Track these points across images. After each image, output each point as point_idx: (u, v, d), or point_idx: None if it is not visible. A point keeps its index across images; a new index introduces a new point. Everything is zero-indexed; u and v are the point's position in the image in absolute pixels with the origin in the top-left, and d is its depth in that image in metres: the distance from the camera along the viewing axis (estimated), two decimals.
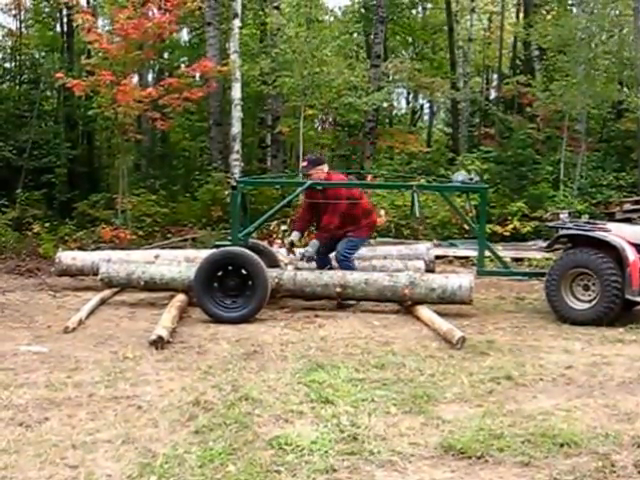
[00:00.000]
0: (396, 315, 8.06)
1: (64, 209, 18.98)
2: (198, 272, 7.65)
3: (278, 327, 7.26)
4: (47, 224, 15.84)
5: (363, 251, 9.69)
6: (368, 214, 8.73)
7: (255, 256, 7.65)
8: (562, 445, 3.97)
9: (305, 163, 8.72)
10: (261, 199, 15.83)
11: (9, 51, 24.06)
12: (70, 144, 21.15)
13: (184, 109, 16.71)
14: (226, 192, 14.66)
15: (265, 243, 9.99)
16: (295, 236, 8.62)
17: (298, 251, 8.66)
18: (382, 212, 11.32)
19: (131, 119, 15.33)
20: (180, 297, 8.23)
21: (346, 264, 8.49)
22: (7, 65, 23.91)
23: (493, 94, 27.35)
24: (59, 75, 15.21)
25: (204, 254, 8.68)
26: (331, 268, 8.56)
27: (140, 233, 14.97)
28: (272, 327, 7.27)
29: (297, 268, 8.36)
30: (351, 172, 10.99)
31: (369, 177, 10.92)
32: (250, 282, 7.59)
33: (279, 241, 10.75)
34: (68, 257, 10.25)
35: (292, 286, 8.24)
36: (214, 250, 8.08)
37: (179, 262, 9.59)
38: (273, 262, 8.72)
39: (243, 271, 7.63)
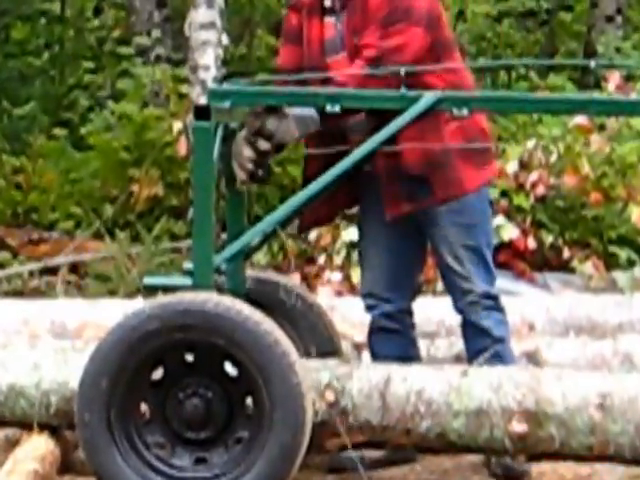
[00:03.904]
0: None
1: None
2: (93, 370, 4.43)
3: None
4: None
5: (599, 312, 5.10)
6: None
7: (265, 320, 4.15)
8: None
9: None
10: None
11: None
12: None
13: None
14: (176, 125, 9.47)
15: (292, 281, 5.83)
16: None
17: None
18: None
19: None
20: (36, 444, 4.95)
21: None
22: None
23: None
24: None
25: (112, 314, 5.31)
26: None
27: None
28: None
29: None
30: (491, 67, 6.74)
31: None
32: (250, 400, 4.30)
33: (335, 274, 6.32)
34: None
35: (377, 415, 4.44)
36: (142, 304, 4.70)
37: (33, 339, 6.04)
38: (318, 337, 4.92)
39: (227, 366, 4.28)
